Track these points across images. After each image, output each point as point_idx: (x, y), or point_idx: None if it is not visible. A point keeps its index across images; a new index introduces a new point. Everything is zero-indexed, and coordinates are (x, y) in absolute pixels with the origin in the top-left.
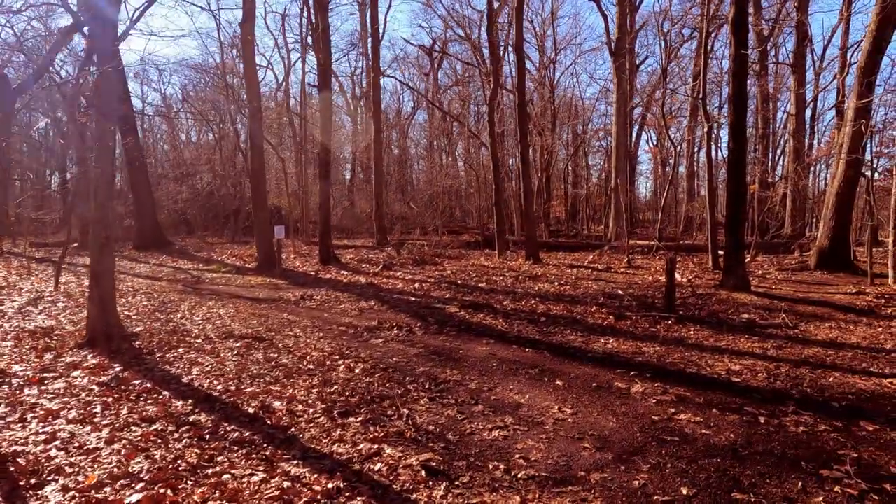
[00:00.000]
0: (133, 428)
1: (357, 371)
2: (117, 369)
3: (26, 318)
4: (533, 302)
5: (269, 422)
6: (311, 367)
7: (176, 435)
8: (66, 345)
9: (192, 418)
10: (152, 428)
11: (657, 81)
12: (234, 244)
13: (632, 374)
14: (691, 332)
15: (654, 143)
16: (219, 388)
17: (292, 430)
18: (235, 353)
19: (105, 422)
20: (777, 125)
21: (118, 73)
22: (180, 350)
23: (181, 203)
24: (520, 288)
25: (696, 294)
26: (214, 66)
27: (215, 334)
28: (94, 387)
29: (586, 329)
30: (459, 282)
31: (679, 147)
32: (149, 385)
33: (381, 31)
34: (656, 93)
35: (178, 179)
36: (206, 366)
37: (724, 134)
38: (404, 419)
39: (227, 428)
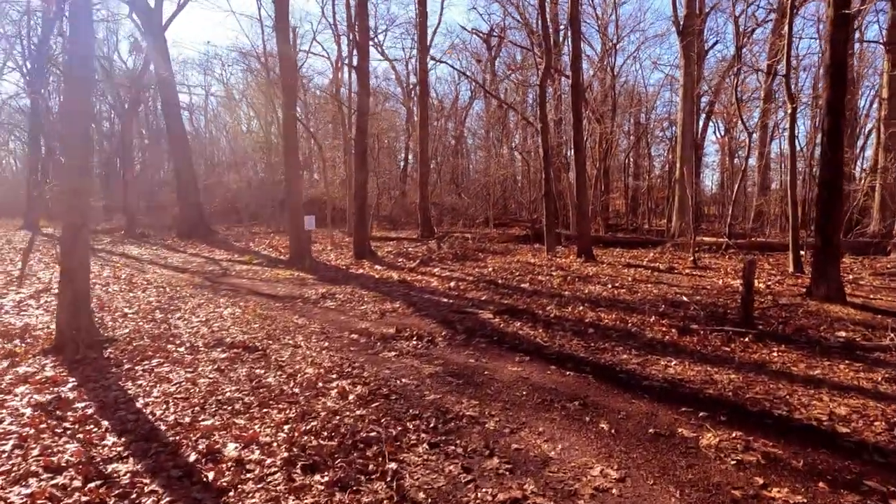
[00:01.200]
0: (29, 480)
1: (350, 398)
2: (69, 385)
3: (21, 312)
4: (581, 308)
5: (205, 478)
6: (297, 390)
7: (73, 498)
8: (31, 350)
9: (111, 468)
10: (51, 483)
11: (729, 63)
12: (278, 234)
13: (701, 415)
14: (775, 355)
15: (722, 133)
16: (171, 418)
17: (230, 495)
18: (215, 367)
19: (2, 468)
20: (860, 112)
21: (164, 59)
22: (154, 361)
23: (232, 192)
24: (567, 290)
25: (778, 304)
26: (259, 52)
27: (204, 341)
28: (27, 409)
29: (643, 346)
30: (500, 281)
31: (752, 135)
32: (91, 411)
33: (438, 17)
34: (725, 80)
35: (232, 168)
36: (175, 384)
37: (804, 121)
38: (388, 479)
39: (146, 488)
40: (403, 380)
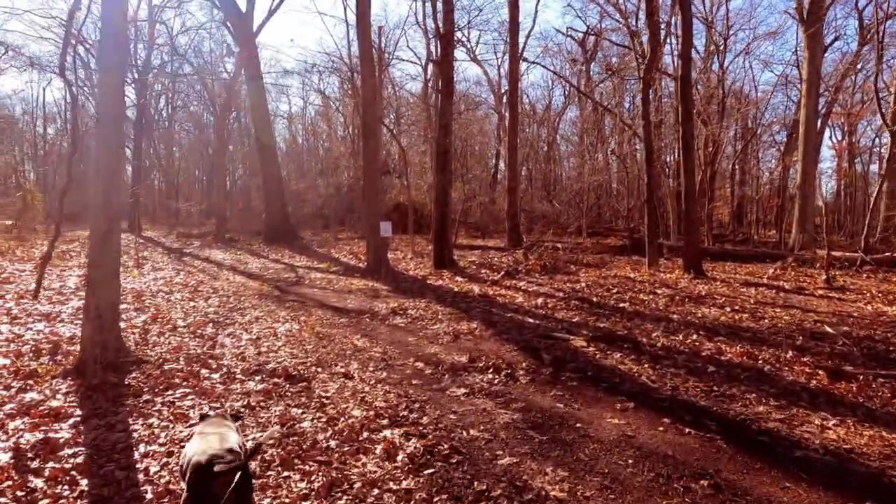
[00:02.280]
0: None
1: (399, 459)
2: (70, 422)
3: (76, 320)
4: (695, 337)
5: None
6: (335, 443)
7: None
8: (54, 370)
9: None
10: None
11: (852, 59)
12: (361, 240)
13: None
14: None
15: (839, 137)
16: (164, 480)
17: None
18: (246, 403)
19: None
20: None
21: (254, 64)
22: (179, 392)
23: (322, 197)
24: (676, 313)
25: None
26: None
27: (245, 366)
28: (3, 456)
29: (784, 393)
30: (595, 299)
31: (880, 138)
32: (79, 460)
33: (532, 20)
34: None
35: (322, 173)
36: (190, 425)
37: None
38: None
39: None
40: (472, 431)
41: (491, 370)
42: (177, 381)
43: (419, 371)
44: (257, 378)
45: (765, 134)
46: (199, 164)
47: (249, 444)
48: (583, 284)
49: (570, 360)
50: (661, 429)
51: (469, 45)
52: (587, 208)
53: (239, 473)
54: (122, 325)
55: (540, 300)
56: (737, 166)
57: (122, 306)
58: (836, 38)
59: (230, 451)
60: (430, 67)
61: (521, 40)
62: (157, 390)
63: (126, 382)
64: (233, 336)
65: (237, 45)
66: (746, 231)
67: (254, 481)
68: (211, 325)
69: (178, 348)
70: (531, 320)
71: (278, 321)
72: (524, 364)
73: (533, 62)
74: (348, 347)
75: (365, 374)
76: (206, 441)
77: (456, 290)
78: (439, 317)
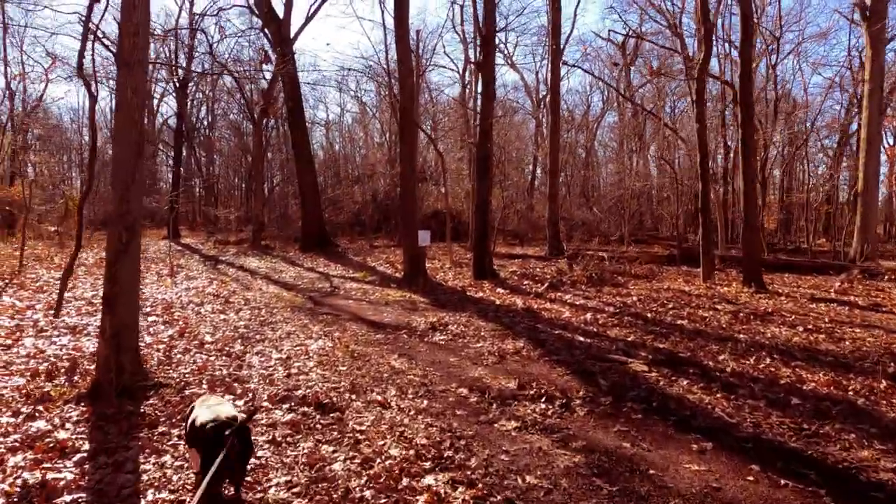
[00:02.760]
0: None
1: None
2: (76, 458)
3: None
4: (769, 361)
5: None
6: (369, 492)
7: None
8: (68, 393)
9: None
10: None
11: None
12: (398, 248)
13: None
14: None
15: (893, 143)
16: None
17: None
18: (271, 437)
19: None
20: None
21: (291, 71)
22: None
23: (359, 204)
24: (742, 332)
25: None
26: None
27: (272, 391)
28: None
29: (886, 432)
30: (649, 315)
31: None
32: None
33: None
34: None
35: (359, 180)
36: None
37: None
38: None
39: None
40: (528, 478)
41: (543, 399)
42: None
43: (463, 399)
44: (285, 407)
45: (812, 137)
46: (239, 172)
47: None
48: (634, 298)
49: (630, 386)
50: (750, 478)
51: (506, 51)
52: (629, 215)
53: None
54: (148, 339)
55: (589, 315)
56: (784, 172)
57: (151, 318)
58: (892, 38)
59: (234, 417)
60: (468, 73)
61: (561, 44)
62: (174, 420)
63: (142, 410)
64: (262, 355)
65: (274, 51)
66: (794, 240)
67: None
68: (240, 341)
69: (203, 368)
70: (581, 338)
71: (311, 337)
72: (580, 391)
73: (573, 65)
74: (385, 369)
75: (403, 403)
76: (213, 410)
77: (498, 302)
78: (482, 333)
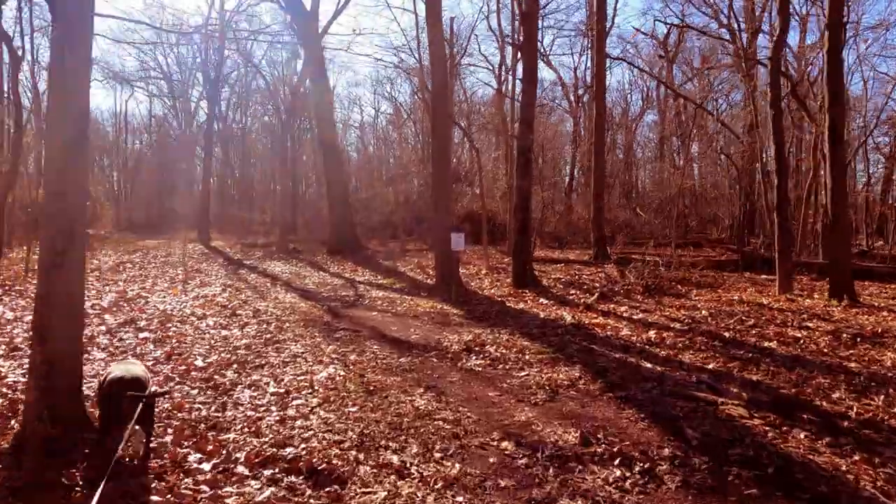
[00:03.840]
0: None
1: None
2: None
3: None
4: None
5: None
6: None
7: None
8: None
9: None
10: None
11: None
12: (430, 252)
13: None
14: None
15: None
16: None
17: None
18: None
19: None
20: None
21: (319, 67)
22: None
23: (391, 206)
24: (853, 360)
25: None
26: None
27: (254, 447)
28: None
29: None
30: (727, 334)
31: None
32: None
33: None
34: None
35: (392, 181)
36: None
37: None
38: None
39: None
40: None
41: (617, 460)
42: (149, 477)
43: (508, 459)
44: (266, 474)
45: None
46: (274, 175)
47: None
48: (704, 313)
49: (730, 440)
50: None
51: (542, 49)
52: (677, 217)
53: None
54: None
55: (652, 333)
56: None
57: (143, 335)
58: None
59: (139, 378)
60: (504, 71)
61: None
62: (111, 499)
63: (73, 478)
64: (256, 388)
65: (302, 47)
66: (855, 243)
67: None
68: (235, 366)
69: (179, 407)
70: (648, 365)
71: (321, 362)
72: (664, 448)
73: (617, 58)
74: (406, 410)
75: (427, 469)
76: (122, 366)
77: (542, 316)
78: (526, 357)
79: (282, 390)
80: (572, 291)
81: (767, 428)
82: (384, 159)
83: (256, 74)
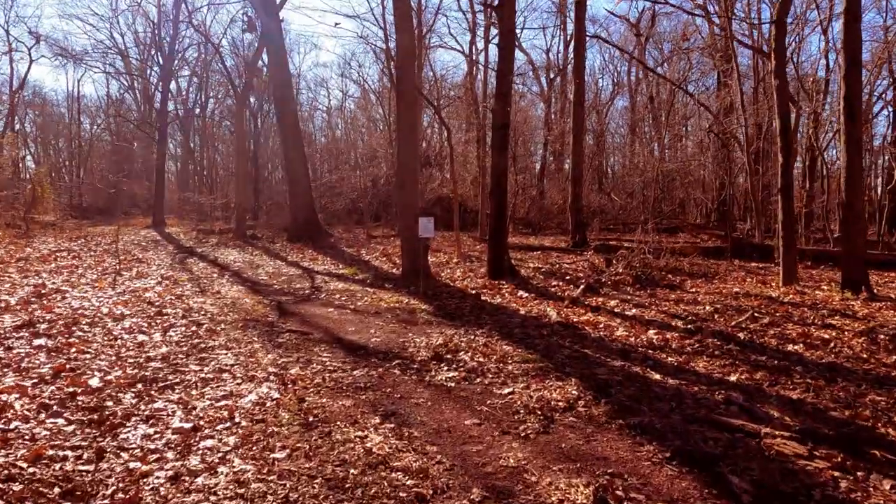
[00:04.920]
0: None
1: None
2: None
3: None
4: None
5: None
6: None
7: None
8: None
9: None
10: None
11: None
12: (398, 239)
13: None
14: None
15: None
16: None
17: None
18: None
19: None
20: None
21: (277, 39)
22: None
23: (358, 191)
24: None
25: None
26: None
27: None
28: None
29: None
30: (741, 335)
31: None
32: None
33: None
34: None
35: (358, 165)
36: None
37: None
38: None
39: None
40: None
41: None
42: None
43: None
44: None
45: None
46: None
47: None
48: (708, 308)
49: (790, 494)
50: None
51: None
52: (654, 201)
53: None
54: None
55: (653, 334)
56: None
57: (38, 342)
58: None
59: None
60: (474, 51)
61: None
62: None
63: None
64: (155, 421)
65: (258, 16)
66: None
67: None
68: (140, 386)
69: (34, 456)
70: (658, 376)
71: (252, 378)
72: None
73: (593, 36)
74: (354, 456)
75: None
76: None
77: (523, 312)
78: (509, 367)
79: (189, 425)
80: (554, 283)
81: (837, 473)
82: (352, 143)
83: (216, 55)
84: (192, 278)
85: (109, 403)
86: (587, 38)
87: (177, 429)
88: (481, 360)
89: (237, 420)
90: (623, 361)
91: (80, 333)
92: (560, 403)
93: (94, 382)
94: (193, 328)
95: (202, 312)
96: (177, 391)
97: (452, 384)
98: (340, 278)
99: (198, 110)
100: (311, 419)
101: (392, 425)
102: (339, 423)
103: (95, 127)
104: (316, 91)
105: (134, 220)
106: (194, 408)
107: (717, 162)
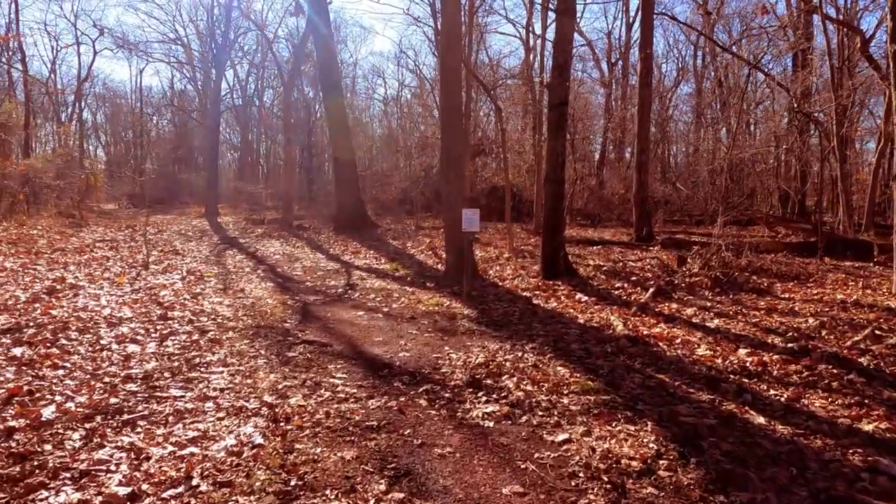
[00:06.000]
0: None
1: None
2: None
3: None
4: None
5: None
6: None
7: None
8: None
9: None
10: None
11: None
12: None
13: None
14: None
15: None
16: None
17: None
18: None
19: None
20: None
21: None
22: None
23: (408, 180)
24: None
25: None
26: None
27: None
28: None
29: None
30: (865, 361)
31: None
32: None
33: None
34: None
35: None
36: None
37: None
38: None
39: None
40: None
41: None
42: None
43: None
44: None
45: None
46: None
47: None
48: (811, 322)
49: None
50: None
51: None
52: (724, 191)
53: None
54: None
55: (744, 354)
56: None
57: (17, 351)
58: None
59: None
60: (531, 33)
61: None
62: None
63: None
64: (87, 483)
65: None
66: None
67: None
68: (99, 419)
69: None
70: (761, 419)
71: (240, 411)
72: None
73: (660, 14)
74: None
75: None
76: None
77: (582, 320)
78: (565, 400)
79: (127, 490)
80: (618, 284)
81: None
82: (409, 132)
83: (269, 43)
84: (222, 273)
85: (47, 447)
86: (658, 15)
87: (108, 497)
88: (529, 388)
89: (194, 482)
90: (711, 394)
91: (66, 342)
92: (633, 463)
93: (48, 413)
94: (195, 337)
95: (212, 316)
96: (138, 430)
97: (490, 423)
98: (379, 274)
99: (256, 101)
100: (293, 483)
101: (402, 496)
102: (328, 491)
103: (157, 118)
104: (373, 81)
105: (189, 209)
106: (148, 458)
107: (799, 147)
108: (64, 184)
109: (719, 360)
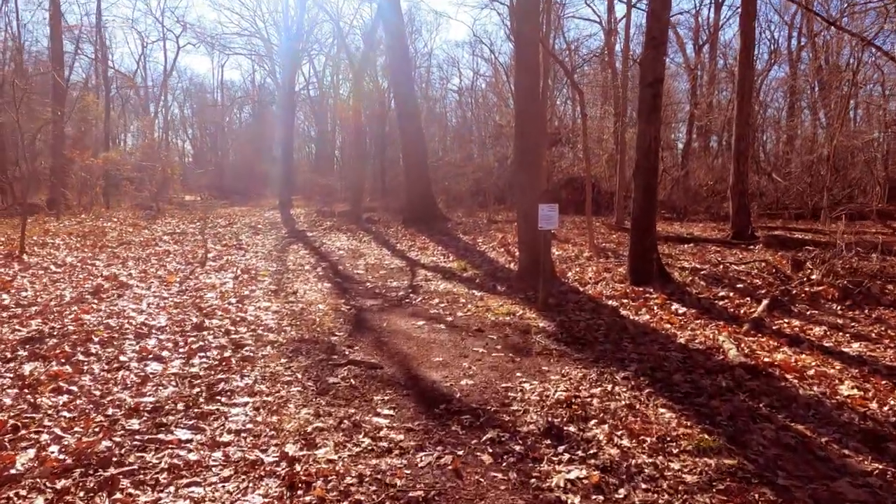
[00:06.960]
0: None
1: None
2: None
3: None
4: None
5: None
6: None
7: None
8: None
9: None
10: None
11: None
12: None
13: None
14: None
15: None
16: None
17: None
18: None
19: None
20: None
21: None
22: None
23: (484, 170)
24: None
25: None
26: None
27: None
28: None
29: None
30: None
31: None
32: None
33: None
34: None
35: (484, 145)
36: None
37: None
38: None
39: None
40: None
41: None
42: None
43: None
44: None
45: None
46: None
47: None
48: None
49: None
50: None
51: None
52: (828, 182)
53: None
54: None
55: None
56: None
57: (26, 368)
58: None
59: None
60: (612, 20)
61: None
62: None
63: None
64: None
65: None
66: None
67: None
68: (77, 475)
69: None
70: None
71: (251, 468)
72: None
73: None
74: None
75: None
76: None
77: (682, 339)
78: (675, 465)
79: None
80: (721, 293)
81: None
82: (483, 122)
83: (345, 36)
84: (280, 271)
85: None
86: None
87: None
88: (626, 442)
89: None
90: (876, 460)
91: (82, 357)
92: None
93: (21, 462)
94: (227, 353)
95: (252, 326)
96: (116, 495)
97: (577, 499)
98: (445, 275)
99: (332, 93)
100: None
101: None
102: None
103: (238, 111)
104: (448, 71)
105: (265, 200)
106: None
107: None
108: (142, 176)
109: (874, 405)
